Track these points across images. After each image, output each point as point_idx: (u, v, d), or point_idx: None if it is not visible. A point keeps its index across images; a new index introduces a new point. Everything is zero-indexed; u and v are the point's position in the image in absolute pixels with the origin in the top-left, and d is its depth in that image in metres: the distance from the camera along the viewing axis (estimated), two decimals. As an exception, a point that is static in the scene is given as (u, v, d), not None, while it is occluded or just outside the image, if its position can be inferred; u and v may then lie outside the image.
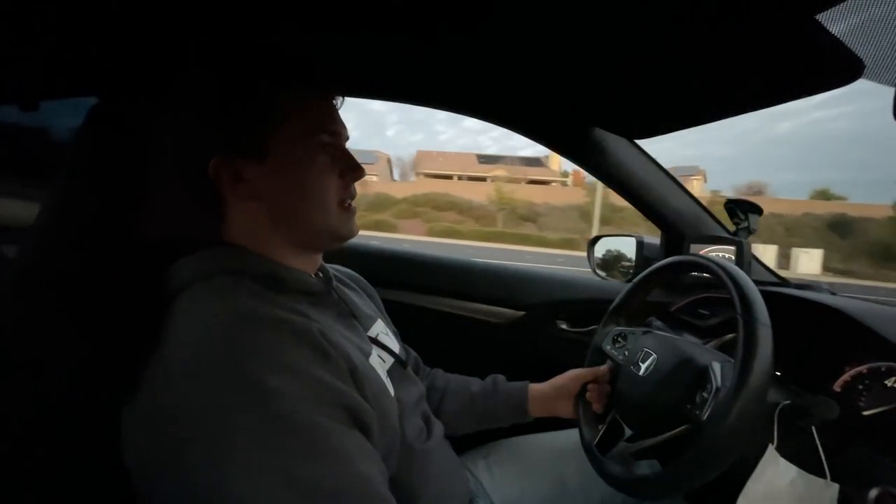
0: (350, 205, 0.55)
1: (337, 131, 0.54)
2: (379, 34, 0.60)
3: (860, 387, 0.61)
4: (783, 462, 0.54)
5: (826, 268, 16.98)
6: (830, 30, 0.47)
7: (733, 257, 0.91)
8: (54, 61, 0.53)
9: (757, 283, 0.60)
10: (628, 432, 0.67)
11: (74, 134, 0.49)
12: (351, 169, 0.54)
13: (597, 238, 1.26)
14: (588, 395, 0.77)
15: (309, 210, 0.52)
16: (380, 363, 0.56)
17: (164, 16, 0.52)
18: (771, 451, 0.55)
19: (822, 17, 0.46)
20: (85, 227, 0.46)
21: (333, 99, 0.55)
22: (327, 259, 0.64)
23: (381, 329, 0.64)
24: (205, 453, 0.34)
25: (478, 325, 1.13)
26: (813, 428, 0.55)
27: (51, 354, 0.42)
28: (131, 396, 0.40)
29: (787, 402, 0.56)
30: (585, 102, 0.85)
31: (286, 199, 0.51)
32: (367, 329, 0.60)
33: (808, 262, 16.44)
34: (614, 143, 0.98)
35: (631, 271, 1.16)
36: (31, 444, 0.40)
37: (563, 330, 1.13)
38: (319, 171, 0.51)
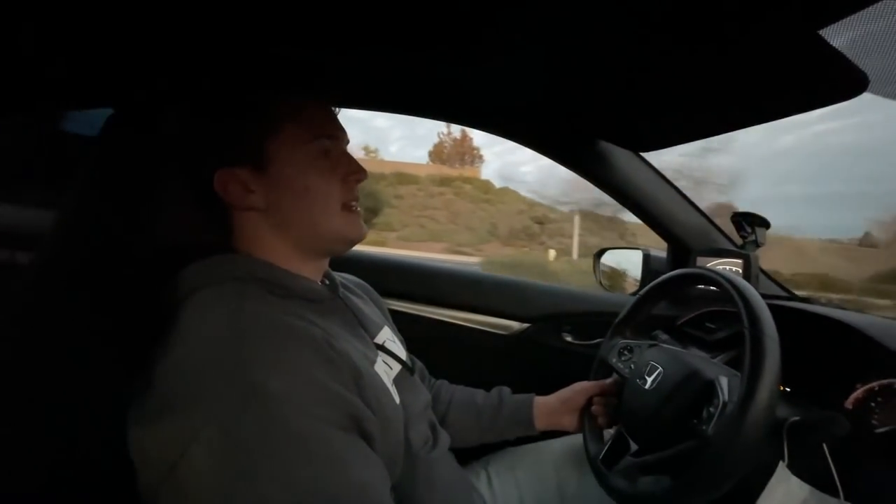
0: (354, 207, 0.55)
1: (336, 135, 0.55)
2: (380, 48, 0.61)
3: (872, 404, 0.59)
4: (795, 480, 0.53)
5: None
6: (834, 44, 0.48)
7: (740, 270, 0.90)
8: (70, 72, 0.55)
9: (764, 296, 0.59)
10: (634, 446, 0.66)
11: (90, 143, 0.50)
12: (352, 172, 0.55)
13: (603, 250, 1.25)
14: (593, 408, 0.76)
15: (313, 214, 0.52)
16: (385, 370, 0.56)
17: (174, 28, 0.54)
18: (782, 468, 0.53)
19: (826, 32, 0.47)
20: (98, 234, 0.47)
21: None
22: (334, 268, 0.64)
23: (387, 336, 0.64)
24: (204, 455, 0.34)
25: (483, 337, 1.12)
26: (824, 445, 0.54)
27: (62, 357, 0.43)
28: (137, 397, 0.40)
29: (797, 418, 0.55)
30: (591, 115, 0.85)
31: (290, 205, 0.51)
32: (373, 336, 0.60)
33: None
34: (620, 156, 0.98)
35: (637, 284, 1.15)
36: (42, 442, 0.41)
37: (567, 342, 1.12)
38: (320, 175, 0.52)
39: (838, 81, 0.54)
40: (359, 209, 0.56)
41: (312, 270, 0.56)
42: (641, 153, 0.99)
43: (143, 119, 0.53)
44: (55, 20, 0.46)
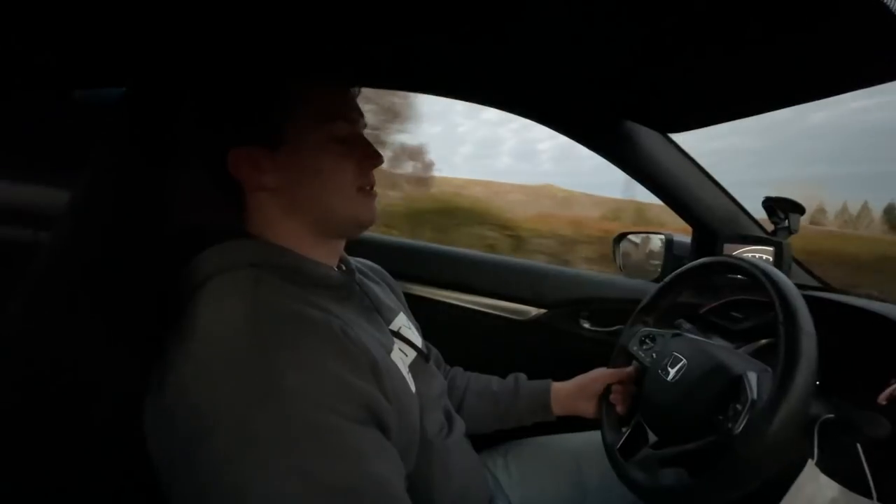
0: (370, 190, 0.54)
1: (353, 118, 0.54)
2: (405, 30, 0.58)
3: None
4: (824, 478, 0.51)
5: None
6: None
7: (771, 259, 0.87)
8: (84, 51, 0.54)
9: (798, 286, 0.56)
10: (653, 438, 0.65)
11: (105, 121, 0.49)
12: (368, 156, 0.54)
13: (623, 235, 1.22)
14: (612, 396, 0.75)
15: (328, 197, 0.51)
16: (401, 357, 0.56)
17: (193, 8, 0.52)
18: (811, 466, 0.51)
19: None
20: (112, 216, 0.47)
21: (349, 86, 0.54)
22: (349, 252, 0.63)
23: (403, 322, 0.64)
24: (222, 449, 0.34)
25: (499, 322, 1.11)
26: (858, 445, 0.51)
27: (76, 344, 0.43)
28: (155, 389, 0.40)
29: (830, 415, 0.53)
30: (617, 95, 0.81)
31: (305, 187, 0.51)
32: (389, 322, 0.59)
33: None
34: (646, 137, 0.93)
35: (659, 270, 1.12)
36: (55, 434, 0.41)
37: (586, 329, 1.10)
38: (336, 159, 0.51)
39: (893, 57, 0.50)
40: (374, 191, 0.55)
41: (326, 254, 0.55)
42: (670, 134, 0.94)
43: (157, 97, 0.52)
44: None
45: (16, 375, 0.41)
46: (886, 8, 0.42)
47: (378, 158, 0.54)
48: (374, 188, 0.55)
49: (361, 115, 0.56)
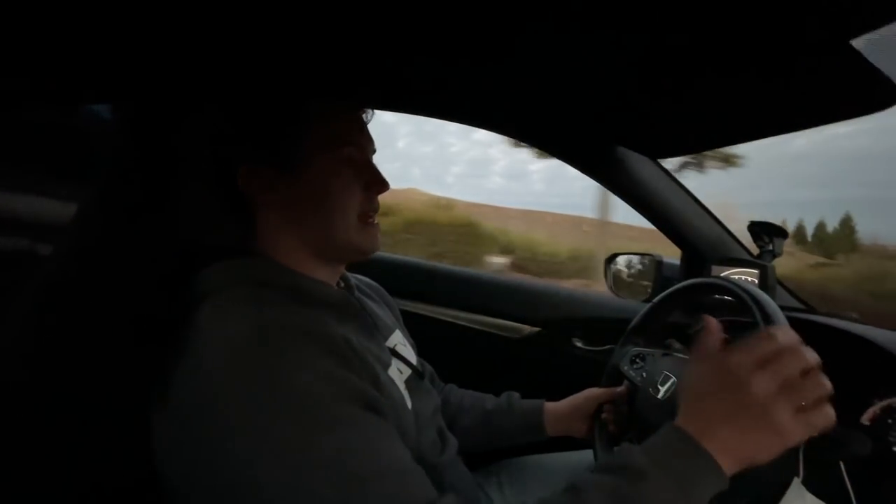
0: (373, 219, 0.55)
1: (363, 144, 0.55)
2: (400, 53, 0.61)
3: (889, 421, 0.58)
4: (810, 497, 0.52)
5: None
6: (865, 55, 0.47)
7: (756, 281, 0.89)
8: (93, 65, 0.55)
9: (783, 308, 0.58)
10: None
11: (113, 135, 0.51)
12: (376, 182, 0.55)
13: (614, 255, 1.24)
14: (604, 415, 0.75)
15: (330, 222, 0.52)
16: (398, 374, 0.56)
17: (199, 26, 0.54)
18: (796, 484, 0.53)
19: (857, 43, 0.46)
20: (117, 230, 0.48)
21: (362, 112, 0.56)
22: (347, 268, 0.64)
23: (398, 340, 0.64)
24: (239, 451, 0.36)
25: (493, 340, 1.12)
26: (841, 463, 0.53)
27: (79, 355, 0.43)
28: (161, 399, 0.41)
29: (815, 434, 0.54)
30: (609, 120, 0.85)
31: (309, 208, 0.52)
32: (385, 339, 0.60)
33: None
34: (637, 162, 0.97)
35: (649, 291, 1.14)
36: (59, 441, 0.41)
37: (579, 347, 1.11)
38: (343, 183, 0.52)
39: (868, 93, 0.53)
40: (377, 222, 0.56)
41: (328, 274, 0.56)
42: (659, 159, 0.98)
43: (167, 113, 0.53)
44: (82, 9, 0.46)
45: (18, 384, 0.41)
46: (863, 56, 0.45)
47: (385, 185, 0.55)
48: (377, 217, 0.56)
49: (371, 141, 0.57)
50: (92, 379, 0.43)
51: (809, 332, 0.67)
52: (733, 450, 0.39)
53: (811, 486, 0.53)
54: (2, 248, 0.48)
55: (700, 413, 0.41)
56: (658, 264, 1.12)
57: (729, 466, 0.39)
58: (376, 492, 0.36)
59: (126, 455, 0.41)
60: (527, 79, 0.70)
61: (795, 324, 0.56)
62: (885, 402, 0.59)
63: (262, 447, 0.35)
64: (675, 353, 0.74)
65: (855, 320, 0.81)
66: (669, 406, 0.62)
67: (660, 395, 0.64)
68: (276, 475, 0.35)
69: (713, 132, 0.78)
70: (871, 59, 0.47)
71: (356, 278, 0.69)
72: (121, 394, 0.43)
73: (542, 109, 0.86)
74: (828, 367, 0.66)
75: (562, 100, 0.79)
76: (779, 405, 0.38)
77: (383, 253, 1.21)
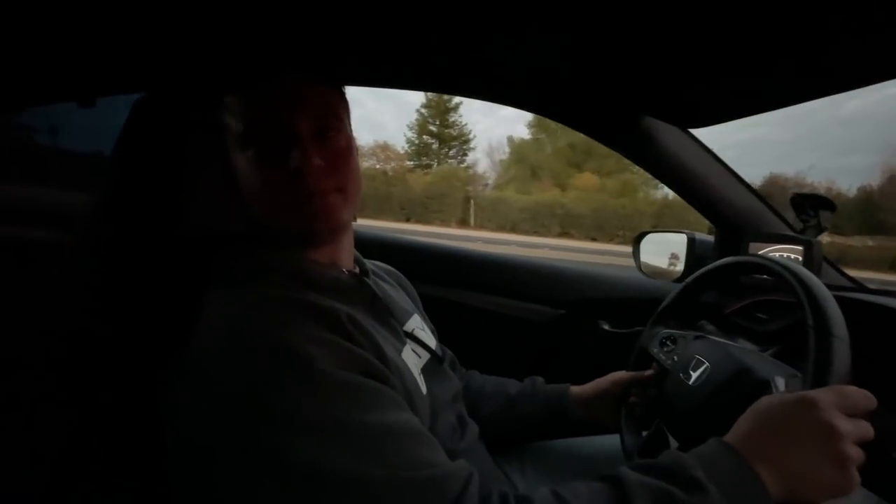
0: (313, 198, 0.48)
1: (284, 122, 0.47)
2: (412, 26, 0.58)
3: None
4: (862, 490, 0.48)
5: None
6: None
7: (801, 258, 0.83)
8: (105, 59, 0.56)
9: (829, 287, 0.54)
10: (673, 443, 0.63)
11: (123, 128, 0.51)
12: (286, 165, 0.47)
13: (643, 234, 1.19)
14: (631, 399, 0.73)
15: (259, 209, 0.50)
16: (413, 358, 0.56)
17: (205, 18, 0.53)
18: None
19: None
20: (129, 217, 0.48)
21: (295, 84, 0.49)
22: (364, 254, 0.64)
23: (417, 324, 0.64)
24: (262, 423, 0.37)
25: (516, 323, 1.10)
26: (894, 454, 0.49)
27: (88, 342, 0.44)
28: (174, 382, 0.42)
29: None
30: (635, 89, 0.79)
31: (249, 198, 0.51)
32: (402, 324, 0.59)
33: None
34: (665, 132, 0.91)
35: (680, 270, 1.09)
36: (73, 426, 0.43)
37: (605, 330, 1.08)
38: (251, 170, 0.48)
39: None
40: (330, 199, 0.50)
41: (328, 255, 0.53)
42: (690, 129, 0.91)
43: (174, 103, 0.53)
44: (91, 4, 0.46)
45: (29, 369, 0.43)
46: None
47: (299, 170, 0.47)
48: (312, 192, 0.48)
49: (310, 114, 0.49)
50: (103, 365, 0.44)
51: (859, 313, 0.62)
52: (789, 487, 0.40)
53: (861, 478, 0.49)
54: (18, 239, 0.50)
55: (762, 440, 0.42)
56: (691, 242, 1.06)
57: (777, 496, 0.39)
58: (381, 451, 0.37)
59: (136, 443, 0.42)
60: (547, 50, 0.66)
61: (844, 304, 0.51)
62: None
63: (280, 417, 0.36)
64: (709, 336, 0.70)
65: None
66: (701, 391, 0.59)
67: (691, 381, 0.61)
68: (295, 442, 0.36)
69: (750, 96, 0.72)
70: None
71: (374, 264, 0.68)
72: (130, 380, 0.44)
73: (560, 80, 0.81)
74: (880, 351, 0.62)
75: (585, 69, 0.74)
76: (852, 460, 0.40)
77: (401, 236, 1.20)
